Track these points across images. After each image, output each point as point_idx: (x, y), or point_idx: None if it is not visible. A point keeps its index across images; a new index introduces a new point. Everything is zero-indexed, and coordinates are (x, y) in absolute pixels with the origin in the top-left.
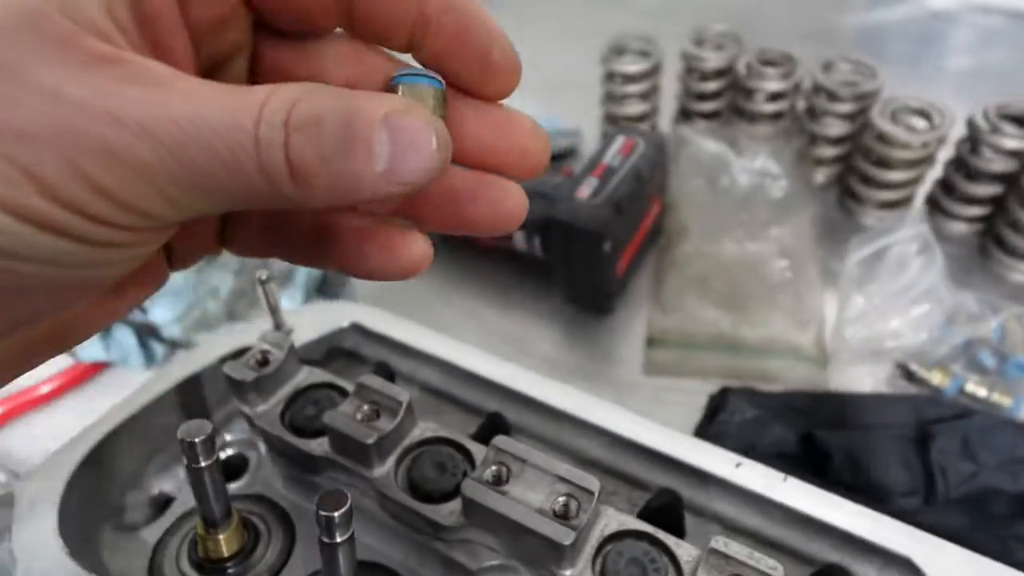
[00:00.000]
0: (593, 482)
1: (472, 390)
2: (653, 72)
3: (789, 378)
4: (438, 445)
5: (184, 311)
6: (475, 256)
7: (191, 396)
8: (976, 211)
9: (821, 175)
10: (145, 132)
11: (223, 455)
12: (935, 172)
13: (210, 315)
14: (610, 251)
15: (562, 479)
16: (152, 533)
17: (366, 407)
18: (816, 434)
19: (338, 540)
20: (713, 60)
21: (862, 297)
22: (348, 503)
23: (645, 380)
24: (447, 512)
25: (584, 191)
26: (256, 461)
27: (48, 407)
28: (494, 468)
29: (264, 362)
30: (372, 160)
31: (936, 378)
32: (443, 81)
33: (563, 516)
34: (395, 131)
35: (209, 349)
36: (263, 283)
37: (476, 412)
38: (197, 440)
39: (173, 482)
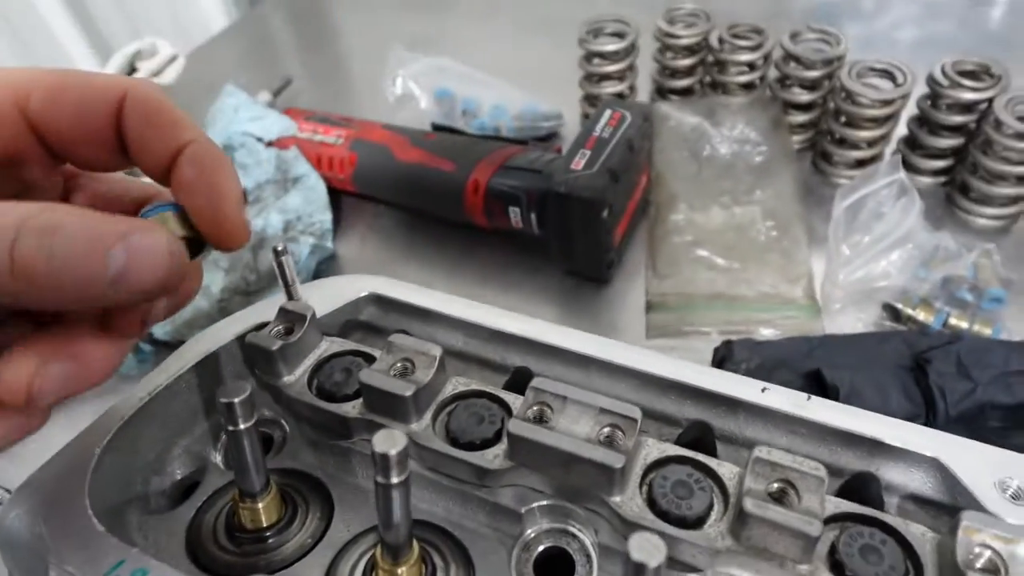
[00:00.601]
0: (634, 410)
1: (495, 348)
2: (630, 51)
3: (786, 328)
4: (472, 398)
5: None
6: (471, 237)
7: (209, 377)
8: (940, 164)
9: (795, 141)
10: None
11: None
12: (900, 130)
13: (201, 314)
14: (608, 218)
15: (604, 411)
16: (182, 514)
17: (399, 364)
18: (822, 371)
19: (394, 481)
20: (686, 37)
21: (848, 245)
22: (405, 443)
23: (647, 344)
24: (491, 457)
25: (579, 162)
26: (281, 437)
27: None
28: (535, 408)
29: (288, 332)
30: (105, 268)
31: (921, 315)
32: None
33: (608, 445)
34: (131, 246)
35: (226, 327)
36: (279, 254)
37: (501, 369)
38: (236, 401)
39: (196, 466)
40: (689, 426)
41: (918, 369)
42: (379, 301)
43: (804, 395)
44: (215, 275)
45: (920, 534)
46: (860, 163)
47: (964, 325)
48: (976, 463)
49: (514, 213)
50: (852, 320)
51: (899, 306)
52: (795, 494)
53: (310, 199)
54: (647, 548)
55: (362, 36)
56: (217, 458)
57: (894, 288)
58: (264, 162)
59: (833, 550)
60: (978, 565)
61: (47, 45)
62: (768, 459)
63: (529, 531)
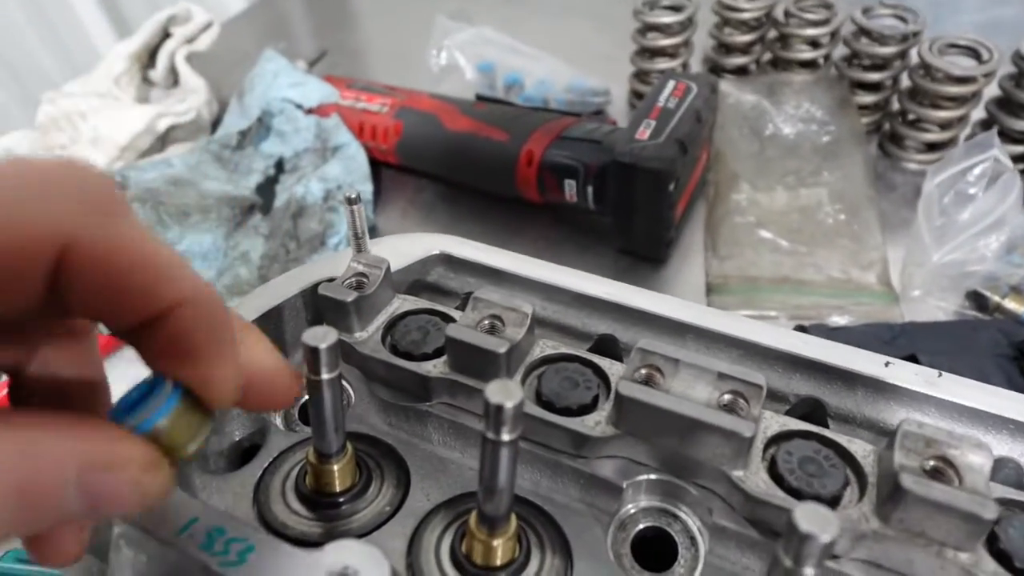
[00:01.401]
0: (759, 377)
1: (577, 313)
2: (687, 24)
3: (859, 315)
4: (563, 362)
5: (214, 277)
6: (522, 213)
7: (270, 334)
8: (1021, 149)
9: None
10: None
11: (303, 401)
12: (977, 112)
13: (242, 281)
14: (673, 192)
15: (724, 376)
16: (247, 476)
17: (486, 322)
18: (919, 356)
19: (505, 438)
20: (749, 10)
21: (936, 228)
22: (521, 395)
23: None
24: (592, 423)
25: (644, 132)
26: (346, 401)
27: None
28: (643, 371)
29: (360, 285)
30: (59, 510)
31: (1012, 303)
32: (173, 392)
33: (730, 413)
34: (88, 487)
35: (288, 282)
36: (352, 202)
37: (583, 337)
38: (322, 347)
39: (255, 428)
40: (799, 402)
41: (1019, 356)
42: (449, 261)
43: (934, 371)
44: (255, 241)
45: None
46: (932, 147)
47: None
48: None
49: (569, 186)
50: (932, 309)
51: (987, 294)
52: (954, 473)
53: (351, 168)
54: (817, 520)
55: (396, 13)
56: (277, 420)
57: (980, 275)
58: (303, 129)
59: (994, 537)
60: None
61: (63, 16)
62: (920, 434)
63: (628, 507)
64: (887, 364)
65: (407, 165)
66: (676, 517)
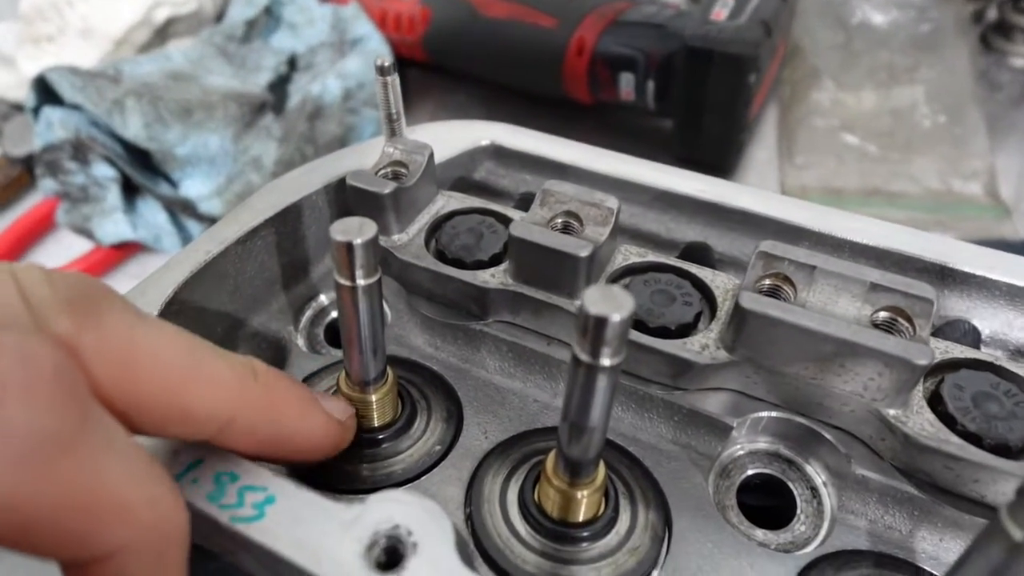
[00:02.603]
0: (927, 289)
1: (660, 217)
2: None
3: (965, 232)
4: (651, 272)
5: (224, 184)
6: (565, 117)
7: (289, 236)
8: None
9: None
10: None
11: (331, 318)
12: None
13: (254, 188)
14: (754, 84)
15: (878, 287)
16: None
17: (559, 220)
18: None
19: (606, 363)
20: None
21: None
22: (633, 306)
23: None
24: (698, 347)
25: (720, 12)
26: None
27: None
28: (768, 282)
29: (397, 176)
30: None
31: None
32: None
33: (890, 334)
34: None
35: (308, 174)
36: (384, 72)
37: (668, 245)
38: (357, 242)
39: (274, 350)
40: (948, 324)
41: None
42: (500, 154)
43: None
44: (267, 145)
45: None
46: None
47: None
48: None
49: (626, 81)
50: None
51: None
52: None
53: (373, 65)
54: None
55: None
56: (300, 340)
57: None
58: (318, 20)
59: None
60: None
61: None
62: None
63: (735, 449)
64: None
65: (437, 61)
66: (792, 464)
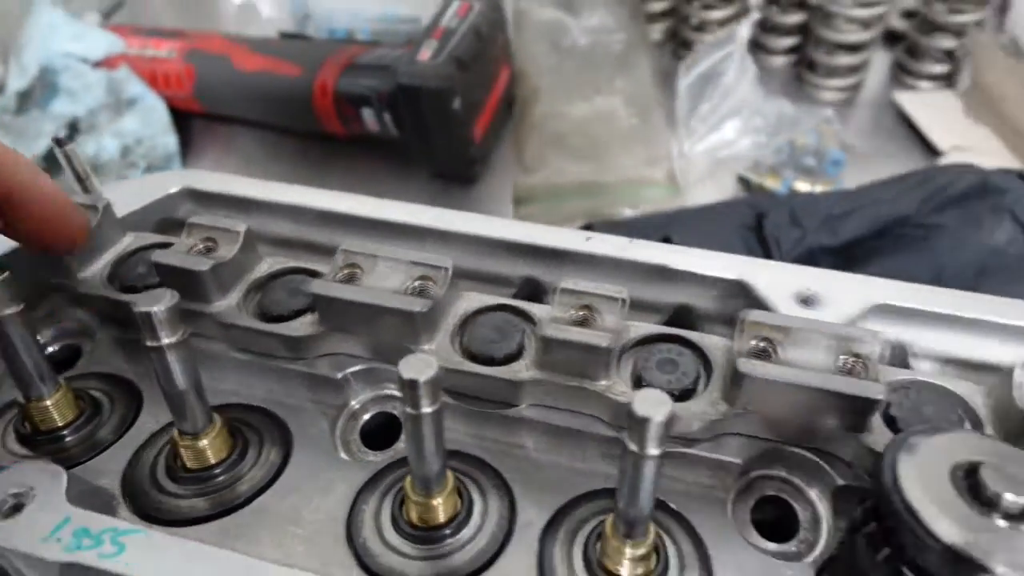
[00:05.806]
0: (446, 260)
1: (322, 230)
2: None
3: (648, 208)
4: (285, 275)
5: None
6: (332, 150)
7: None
8: (789, 41)
9: (656, 31)
10: None
11: (52, 349)
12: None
13: None
14: (460, 109)
15: (416, 263)
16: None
17: (200, 245)
18: (670, 236)
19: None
20: None
21: (695, 118)
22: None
23: None
24: (299, 326)
25: (425, 54)
26: (90, 347)
27: None
28: (345, 271)
29: None
30: None
31: (769, 182)
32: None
33: (419, 293)
34: None
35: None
36: (61, 143)
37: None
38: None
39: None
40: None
41: (758, 227)
42: (196, 196)
43: (626, 239)
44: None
45: (715, 344)
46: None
47: (807, 188)
48: (776, 280)
49: (368, 115)
50: (712, 195)
51: (749, 176)
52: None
53: (149, 121)
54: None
55: None
56: None
57: (746, 160)
58: (93, 85)
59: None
60: (749, 348)
61: None
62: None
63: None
64: (587, 239)
65: (211, 111)
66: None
